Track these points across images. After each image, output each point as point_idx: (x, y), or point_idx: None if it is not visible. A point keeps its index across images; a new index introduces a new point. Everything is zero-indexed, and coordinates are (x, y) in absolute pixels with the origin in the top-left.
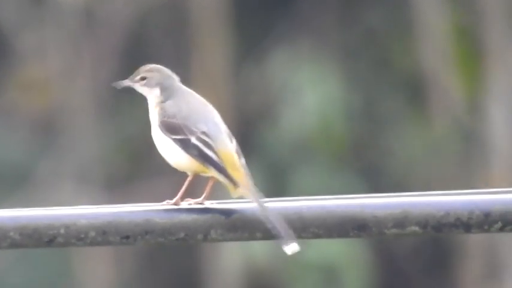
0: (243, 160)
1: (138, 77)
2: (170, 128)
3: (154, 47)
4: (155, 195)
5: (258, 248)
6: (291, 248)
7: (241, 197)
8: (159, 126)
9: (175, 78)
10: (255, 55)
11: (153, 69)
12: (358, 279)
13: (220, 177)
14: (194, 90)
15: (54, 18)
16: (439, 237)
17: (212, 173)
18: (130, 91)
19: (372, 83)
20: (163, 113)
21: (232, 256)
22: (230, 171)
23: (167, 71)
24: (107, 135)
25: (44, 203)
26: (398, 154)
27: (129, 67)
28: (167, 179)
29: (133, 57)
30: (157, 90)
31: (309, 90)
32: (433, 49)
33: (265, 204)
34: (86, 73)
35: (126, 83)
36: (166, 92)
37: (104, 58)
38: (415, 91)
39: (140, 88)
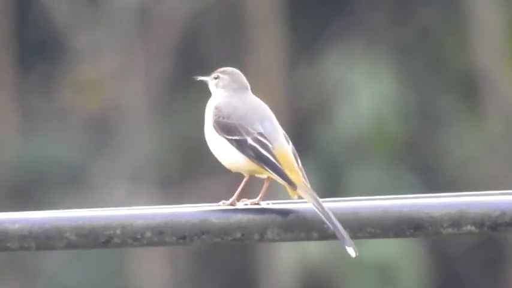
0: (299, 161)
1: (213, 76)
2: (225, 128)
3: (209, 46)
4: (209, 196)
5: (313, 247)
6: (352, 252)
7: (299, 198)
8: (213, 126)
9: (245, 85)
10: (309, 53)
11: (226, 72)
12: (412, 279)
13: (278, 179)
14: None
15: (108, 18)
16: (495, 238)
17: (269, 174)
18: (185, 91)
19: (426, 81)
20: (217, 113)
21: (286, 256)
22: (288, 172)
23: (239, 76)
24: (161, 135)
25: (98, 203)
26: (453, 152)
27: (184, 66)
28: (221, 179)
29: (188, 56)
30: (222, 91)
31: (363, 89)
32: (487, 46)
33: (324, 206)
34: (140, 73)
35: (205, 78)
36: (228, 95)
37: (158, 58)
38: (470, 89)
39: (211, 86)
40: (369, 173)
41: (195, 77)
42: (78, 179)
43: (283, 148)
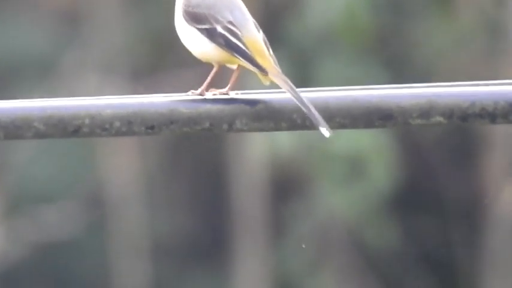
0: (270, 49)
1: None
2: (195, 18)
3: None
4: (180, 87)
5: (283, 140)
6: (326, 132)
7: (272, 85)
8: (183, 16)
9: None
10: None
11: None
12: (383, 170)
13: (249, 66)
14: None
15: None
16: (465, 129)
17: (240, 62)
18: None
19: None
20: (186, 3)
21: (256, 148)
22: (258, 59)
23: None
24: (132, 26)
25: (68, 94)
26: (423, 45)
27: None
28: (192, 70)
29: None
30: None
31: None
32: None
33: (297, 90)
34: None
35: None
36: None
37: None
38: None
39: None
40: (339, 65)
41: None
42: (48, 70)
43: (253, 35)
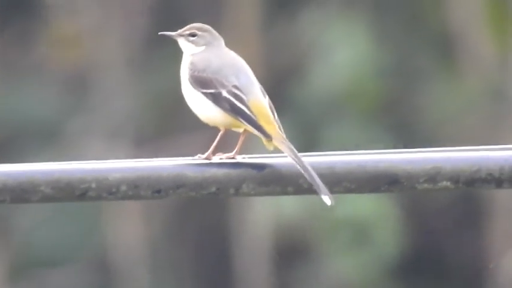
0: (275, 114)
1: (188, 32)
2: (200, 82)
3: (185, 2)
4: (186, 151)
5: (288, 204)
6: (328, 200)
7: (275, 150)
8: (189, 80)
9: (221, 40)
10: (285, 11)
11: (205, 29)
12: (388, 236)
13: (254, 131)
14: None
15: None
16: (470, 195)
17: (245, 126)
18: (163, 46)
19: (402, 40)
20: (193, 68)
21: (262, 212)
22: (263, 124)
23: (215, 32)
24: (138, 91)
25: (74, 159)
26: (429, 110)
27: (160, 23)
28: (198, 135)
29: (164, 12)
30: (202, 48)
31: (340, 47)
32: (463, 5)
33: (300, 157)
34: (117, 29)
35: (173, 35)
36: (205, 50)
37: (135, 13)
38: (446, 48)
39: (185, 43)
40: (345, 131)
41: (160, 32)
42: (54, 135)
43: (259, 100)
